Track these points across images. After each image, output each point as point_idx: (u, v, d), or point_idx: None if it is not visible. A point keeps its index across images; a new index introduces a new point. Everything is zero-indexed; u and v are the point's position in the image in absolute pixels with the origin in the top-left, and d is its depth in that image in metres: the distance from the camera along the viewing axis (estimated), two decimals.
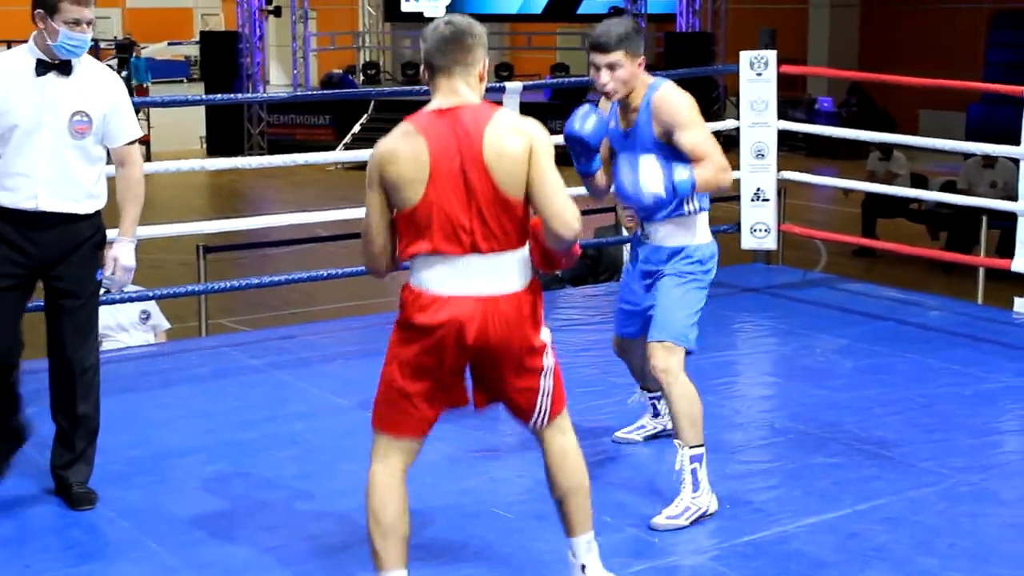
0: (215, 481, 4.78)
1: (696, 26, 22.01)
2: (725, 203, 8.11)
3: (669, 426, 4.70)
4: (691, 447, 4.34)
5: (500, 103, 7.41)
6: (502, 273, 3.49)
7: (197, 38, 29.31)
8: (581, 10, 24.90)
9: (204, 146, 22.46)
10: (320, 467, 4.92)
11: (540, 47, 27.93)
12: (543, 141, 3.49)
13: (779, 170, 8.05)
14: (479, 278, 3.47)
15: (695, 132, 4.31)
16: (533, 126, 3.51)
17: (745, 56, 8.03)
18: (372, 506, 3.56)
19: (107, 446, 5.10)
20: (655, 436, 5.10)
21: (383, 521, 3.54)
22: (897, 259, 11.51)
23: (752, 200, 8.06)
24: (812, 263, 11.59)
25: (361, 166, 19.48)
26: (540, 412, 3.65)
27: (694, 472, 4.33)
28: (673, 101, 4.33)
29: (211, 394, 5.92)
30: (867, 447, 5.10)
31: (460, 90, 3.52)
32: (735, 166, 8.22)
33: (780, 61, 8.00)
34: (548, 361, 3.64)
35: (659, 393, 4.80)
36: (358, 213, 7.56)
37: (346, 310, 9.68)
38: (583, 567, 3.69)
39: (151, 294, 6.98)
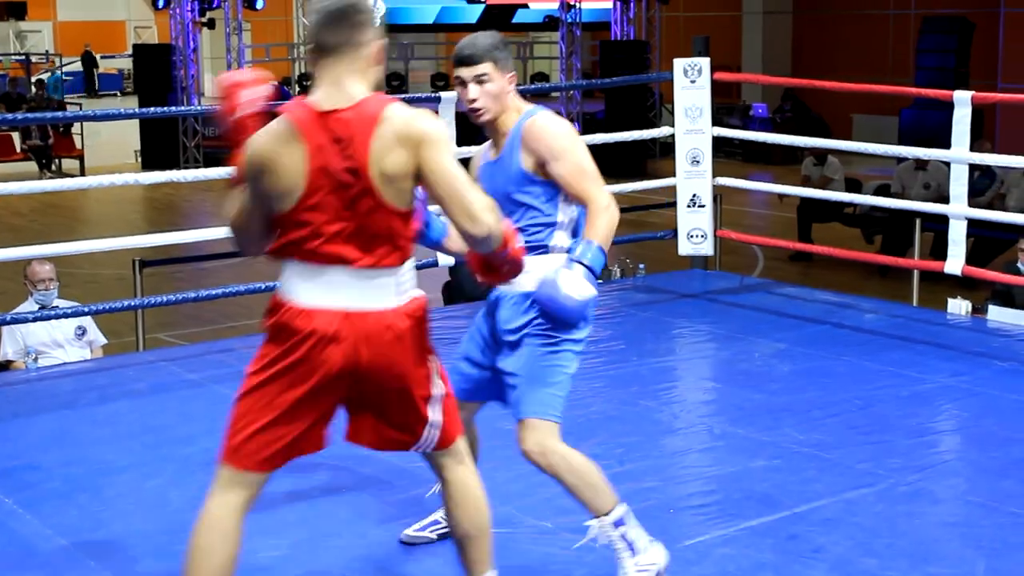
0: (154, 497, 4.74)
1: (631, 34, 22.11)
2: (662, 209, 8.16)
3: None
4: (606, 514, 3.84)
5: (436, 112, 7.45)
6: (379, 289, 3.17)
7: (130, 51, 29.09)
8: (516, 19, 24.94)
9: (139, 160, 22.27)
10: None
11: None
12: (435, 137, 3.14)
13: (715, 176, 8.11)
14: (351, 292, 3.15)
15: (570, 162, 3.78)
16: (424, 124, 3.14)
17: (679, 64, 8.08)
18: (196, 545, 3.18)
19: (44, 463, 5.06)
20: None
21: (204, 567, 3.17)
22: (833, 263, 11.61)
23: (688, 206, 8.11)
24: (749, 268, 11.68)
25: None
26: (425, 442, 3.34)
27: (624, 537, 3.85)
28: (546, 127, 3.81)
29: (149, 409, 5.87)
30: (805, 450, 5.15)
31: (346, 78, 3.15)
32: (670, 173, 8.31)
33: (714, 68, 8.06)
34: (437, 389, 3.33)
35: None
36: None
37: None
38: None
39: (87, 309, 6.92)
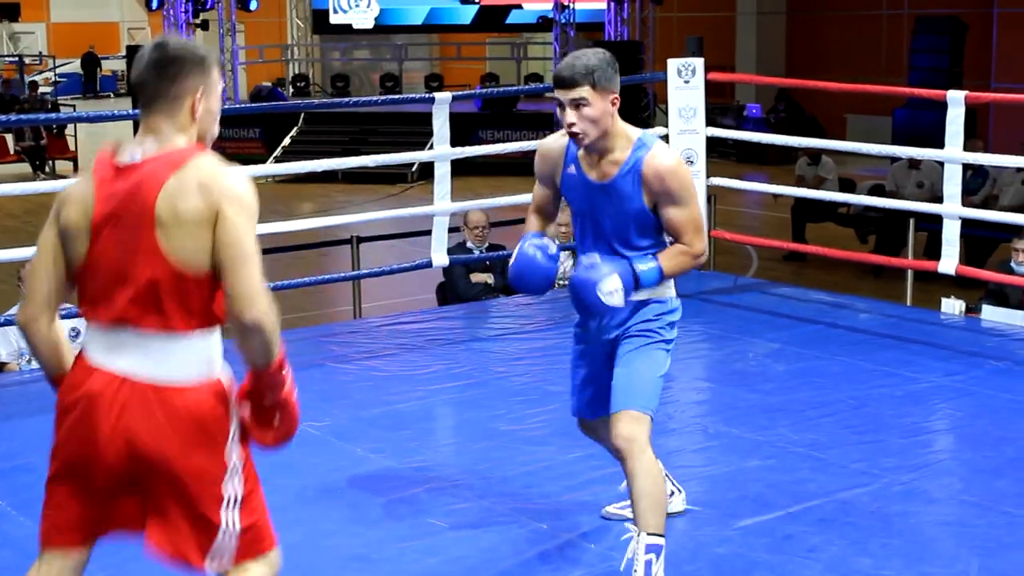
0: None
1: (625, 35, 22.11)
2: None
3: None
4: (650, 534, 3.72)
5: (430, 114, 7.45)
6: (166, 357, 2.84)
7: (123, 52, 29.06)
8: (510, 20, 24.94)
9: None
10: None
11: (470, 57, 27.96)
12: (238, 197, 2.82)
13: (709, 176, 8.12)
14: (132, 356, 2.84)
15: (687, 212, 3.78)
16: (228, 184, 2.82)
17: (673, 64, 8.08)
18: None
19: (38, 465, 5.03)
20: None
21: None
22: (827, 263, 11.61)
23: None
24: (743, 268, 11.67)
25: (292, 179, 19.47)
26: (217, 552, 2.90)
27: (648, 565, 3.68)
28: (674, 171, 3.75)
29: None
30: (800, 449, 5.15)
31: (163, 131, 2.88)
32: None
33: (708, 69, 8.06)
34: (232, 489, 2.91)
35: None
36: (289, 226, 7.58)
37: (280, 323, 9.62)
38: None
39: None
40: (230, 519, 2.89)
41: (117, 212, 2.83)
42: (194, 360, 2.87)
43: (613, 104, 3.74)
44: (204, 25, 23.60)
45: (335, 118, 21.45)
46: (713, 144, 8.22)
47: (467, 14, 25.47)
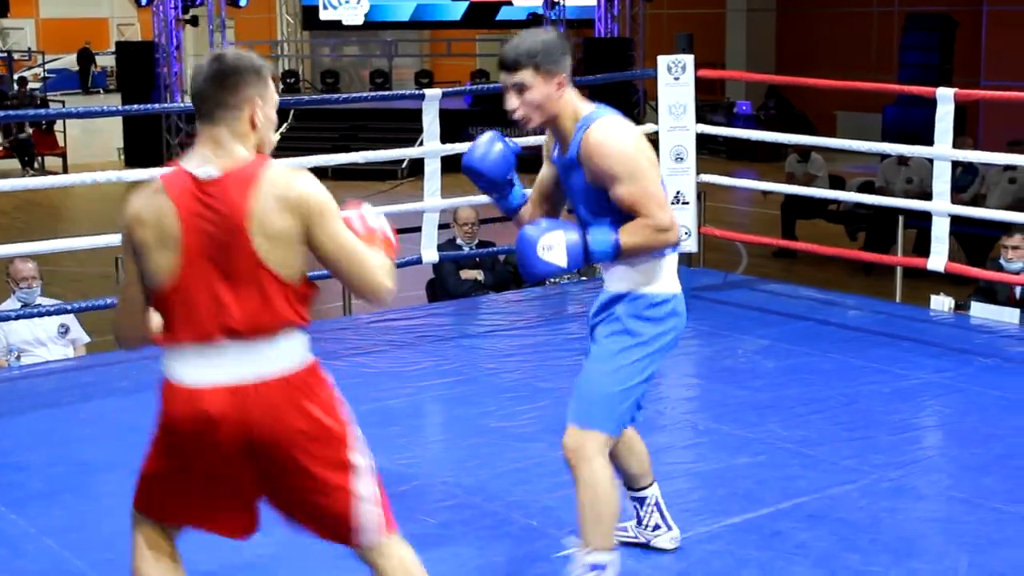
0: None
1: (615, 31, 22.11)
2: None
3: (644, 539, 4.11)
4: (591, 551, 3.60)
5: (420, 110, 7.45)
6: (265, 358, 2.98)
7: (113, 48, 29.01)
8: (500, 16, 24.93)
9: (122, 157, 22.20)
10: None
11: (460, 54, 27.94)
12: (320, 205, 2.96)
13: (699, 173, 8.12)
14: (235, 366, 2.97)
15: (634, 187, 3.50)
16: (305, 190, 2.96)
17: (663, 61, 8.09)
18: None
19: (28, 463, 5.05)
20: (634, 543, 4.16)
21: None
22: (817, 260, 11.64)
23: (672, 203, 8.10)
24: (733, 265, 11.69)
25: None
26: (364, 523, 3.06)
27: None
28: (608, 145, 3.51)
29: (133, 408, 5.83)
30: (789, 446, 5.16)
31: (224, 141, 2.99)
32: None
33: (698, 65, 8.07)
34: (357, 458, 3.06)
35: (640, 492, 4.08)
36: None
37: None
38: None
39: (70, 307, 6.90)
40: (362, 488, 3.05)
41: (208, 231, 2.94)
42: (290, 351, 3.01)
43: (560, 87, 3.58)
44: (194, 21, 23.53)
45: (325, 114, 21.43)
46: (703, 141, 8.22)
47: (457, 10, 25.45)
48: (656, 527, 4.11)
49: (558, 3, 21.42)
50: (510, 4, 24.59)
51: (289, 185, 2.95)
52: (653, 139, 8.33)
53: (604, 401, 3.60)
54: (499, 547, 4.22)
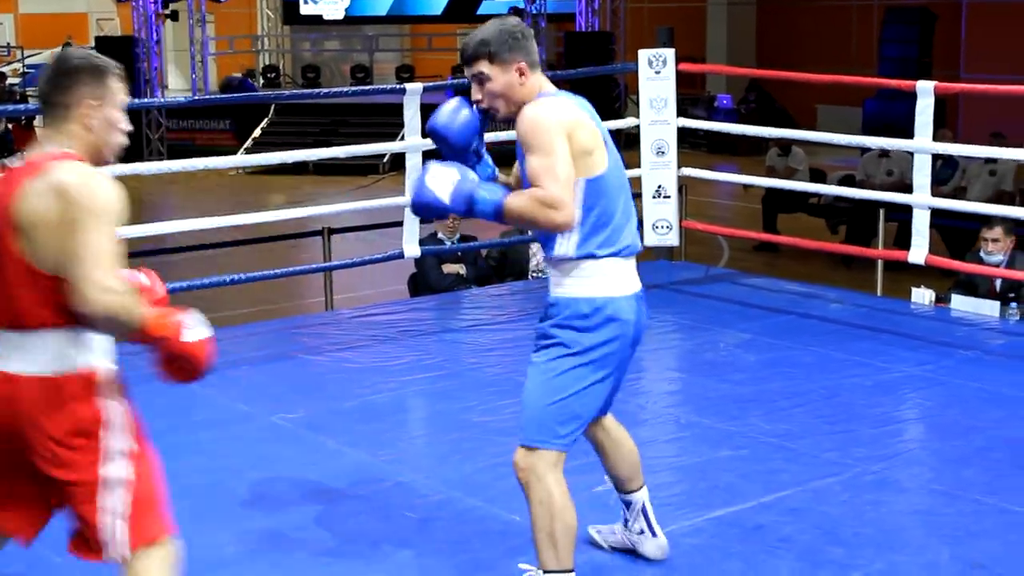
0: None
1: (596, 25, 22.10)
2: None
3: (629, 543, 4.07)
4: (546, 572, 3.53)
5: (401, 105, 7.43)
6: (27, 352, 2.96)
7: (93, 43, 28.90)
8: (481, 11, 24.89)
9: None
10: (228, 474, 4.87)
11: (441, 48, 27.89)
12: (87, 205, 2.88)
13: (679, 167, 8.13)
14: (8, 356, 2.97)
15: (537, 159, 3.39)
16: (80, 185, 2.90)
17: (644, 55, 8.09)
18: None
19: None
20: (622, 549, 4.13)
21: None
22: (798, 253, 11.65)
23: (653, 197, 8.12)
24: (714, 259, 11.70)
25: (263, 170, 19.42)
26: (108, 537, 2.99)
27: None
28: (527, 119, 3.45)
29: None
30: (771, 439, 5.17)
31: (53, 137, 3.01)
32: (635, 163, 8.31)
33: (679, 59, 8.07)
34: (111, 471, 2.99)
35: (628, 495, 4.02)
36: (260, 218, 7.56)
37: (252, 315, 9.60)
38: None
39: None
40: (110, 502, 2.99)
41: None
42: (60, 351, 2.97)
43: (520, 73, 3.52)
44: (174, 16, 23.48)
45: (306, 109, 21.38)
46: (684, 135, 8.23)
47: (438, 5, 25.41)
48: (641, 532, 4.04)
49: None
50: None
51: (67, 178, 2.91)
52: (634, 133, 8.34)
53: (543, 418, 3.51)
54: (481, 542, 4.21)
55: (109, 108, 3.06)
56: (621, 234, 3.57)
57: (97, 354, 3.04)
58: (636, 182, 8.27)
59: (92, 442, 2.99)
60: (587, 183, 3.48)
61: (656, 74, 8.06)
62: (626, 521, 4.05)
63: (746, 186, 13.67)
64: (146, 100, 20.67)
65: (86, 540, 3.04)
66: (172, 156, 20.25)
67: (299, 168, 18.60)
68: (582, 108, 3.56)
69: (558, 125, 3.43)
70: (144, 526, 3.04)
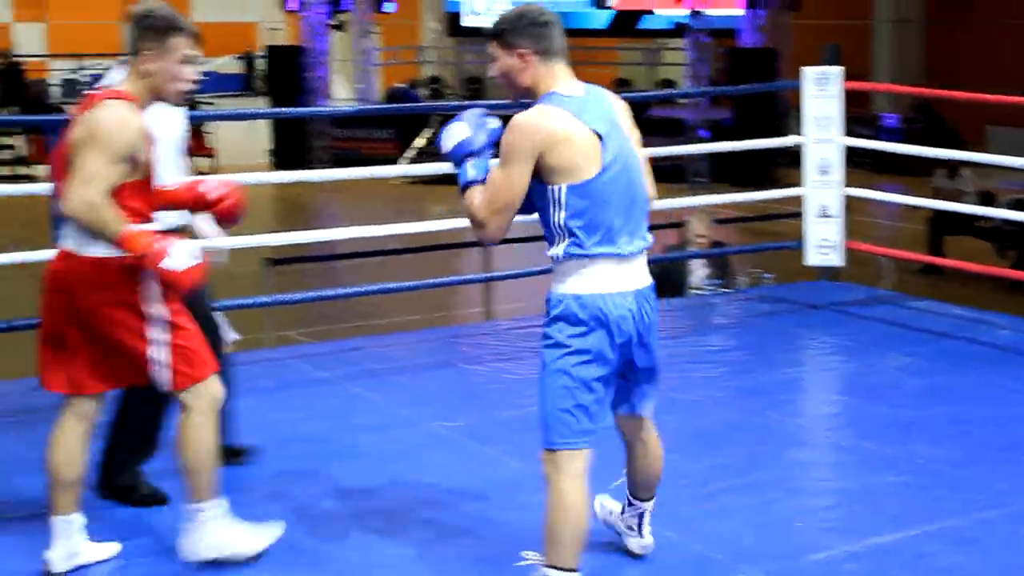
0: (277, 493, 4.80)
1: (760, 42, 21.90)
2: (790, 220, 8.08)
3: (617, 530, 4.18)
4: (547, 567, 3.61)
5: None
6: (72, 234, 3.81)
7: (263, 52, 29.55)
8: (644, 25, 24.85)
9: (271, 160, 22.60)
10: (387, 479, 4.93)
11: (602, 62, 27.92)
12: (94, 133, 3.66)
13: (844, 186, 8.01)
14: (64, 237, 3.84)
15: (495, 172, 3.58)
16: (99, 119, 3.68)
17: (809, 72, 8.00)
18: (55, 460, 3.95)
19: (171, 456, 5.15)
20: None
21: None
22: (964, 277, 11.40)
23: (817, 216, 8.02)
24: (877, 280, 11.50)
25: (425, 179, 19.67)
26: (156, 377, 3.88)
27: None
28: (509, 130, 3.57)
29: (277, 406, 5.96)
30: (935, 467, 5.05)
31: (122, 75, 3.84)
32: (798, 182, 8.21)
33: (844, 77, 7.96)
34: (155, 332, 3.84)
35: (634, 500, 4.12)
36: (422, 227, 7.65)
37: (413, 323, 9.72)
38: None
39: (217, 305, 7.03)
40: (155, 352, 3.86)
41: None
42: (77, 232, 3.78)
43: (522, 59, 3.62)
44: (341, 26, 23.89)
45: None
46: (848, 154, 8.09)
47: (601, 18, 25.43)
48: (629, 528, 4.14)
49: (703, 13, 21.29)
50: (654, 13, 24.50)
51: (99, 108, 3.71)
52: (797, 151, 8.22)
53: (550, 419, 3.61)
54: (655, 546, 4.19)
55: (168, 61, 3.76)
56: (619, 235, 3.63)
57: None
58: (798, 201, 8.18)
59: (136, 307, 3.82)
60: (569, 189, 3.56)
61: (821, 92, 7.96)
62: (622, 511, 4.16)
63: (912, 208, 13.43)
64: (314, 109, 21.12)
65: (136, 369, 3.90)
66: (337, 164, 20.62)
67: None
68: (579, 118, 3.58)
69: (530, 147, 3.52)
70: (188, 369, 3.90)
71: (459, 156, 3.67)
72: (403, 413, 5.78)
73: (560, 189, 3.55)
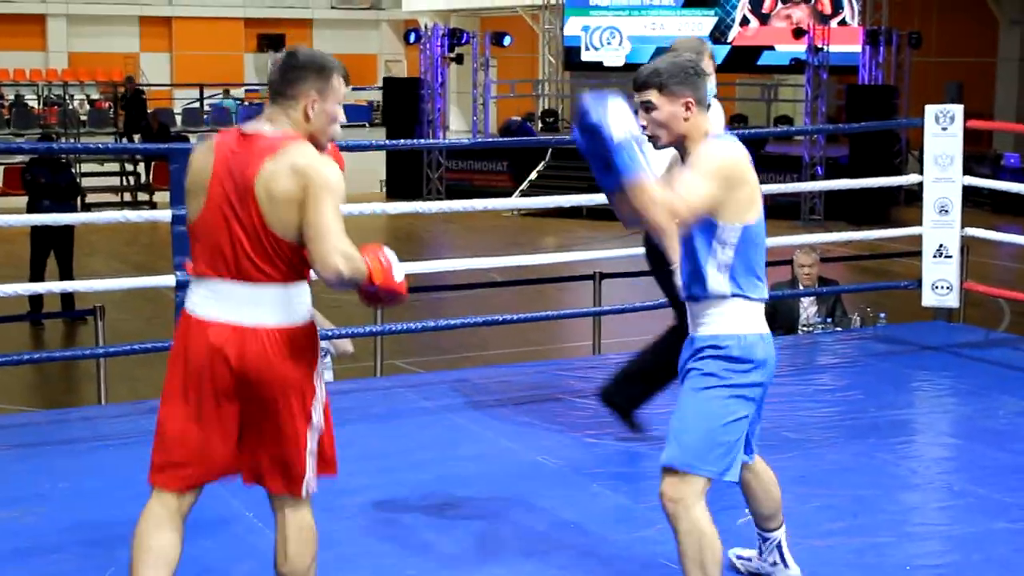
0: (385, 519, 4.83)
1: (879, 79, 21.68)
2: (907, 259, 7.95)
3: (763, 572, 4.18)
4: None
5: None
6: (259, 305, 3.44)
7: (380, 84, 29.93)
8: (762, 61, 24.74)
9: (384, 190, 22.85)
10: (491, 511, 4.93)
11: (719, 97, 27.84)
12: (323, 183, 3.37)
13: (963, 226, 7.88)
14: (233, 306, 3.44)
15: (691, 176, 3.55)
16: (316, 167, 3.39)
17: (931, 110, 7.89)
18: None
19: None
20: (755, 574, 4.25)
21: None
22: None
23: (935, 256, 7.89)
24: (994, 322, 11.28)
25: (537, 213, 19.82)
26: (306, 473, 3.52)
27: None
28: (706, 148, 3.61)
29: (386, 433, 6.00)
30: None
31: (277, 119, 3.48)
32: (915, 221, 8.09)
33: (966, 115, 7.84)
34: (316, 416, 3.52)
35: (766, 532, 4.13)
36: (533, 260, 7.67)
37: (519, 355, 9.74)
38: None
39: (330, 333, 7.11)
40: (311, 443, 3.52)
41: (223, 181, 3.43)
42: (283, 305, 3.48)
43: (687, 108, 3.63)
44: (459, 59, 24.13)
45: (582, 154, 21.62)
46: (967, 193, 7.96)
47: (719, 54, 25.35)
48: (774, 564, 4.12)
49: (821, 49, 21.13)
50: (772, 49, 24.38)
51: (302, 160, 3.38)
52: (916, 190, 8.11)
53: (699, 443, 3.64)
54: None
55: (329, 103, 3.52)
56: (764, 281, 3.74)
57: (308, 306, 3.56)
58: (915, 240, 8.05)
59: (310, 388, 3.50)
60: (744, 229, 3.64)
61: (943, 130, 7.85)
62: (761, 551, 4.14)
63: None
64: (429, 141, 21.34)
65: (283, 474, 3.51)
66: (450, 196, 20.79)
67: (573, 212, 18.81)
68: (749, 158, 3.67)
69: (727, 168, 3.59)
70: (323, 464, 3.57)
71: (627, 145, 3.40)
72: (506, 445, 5.78)
73: (735, 228, 3.62)
